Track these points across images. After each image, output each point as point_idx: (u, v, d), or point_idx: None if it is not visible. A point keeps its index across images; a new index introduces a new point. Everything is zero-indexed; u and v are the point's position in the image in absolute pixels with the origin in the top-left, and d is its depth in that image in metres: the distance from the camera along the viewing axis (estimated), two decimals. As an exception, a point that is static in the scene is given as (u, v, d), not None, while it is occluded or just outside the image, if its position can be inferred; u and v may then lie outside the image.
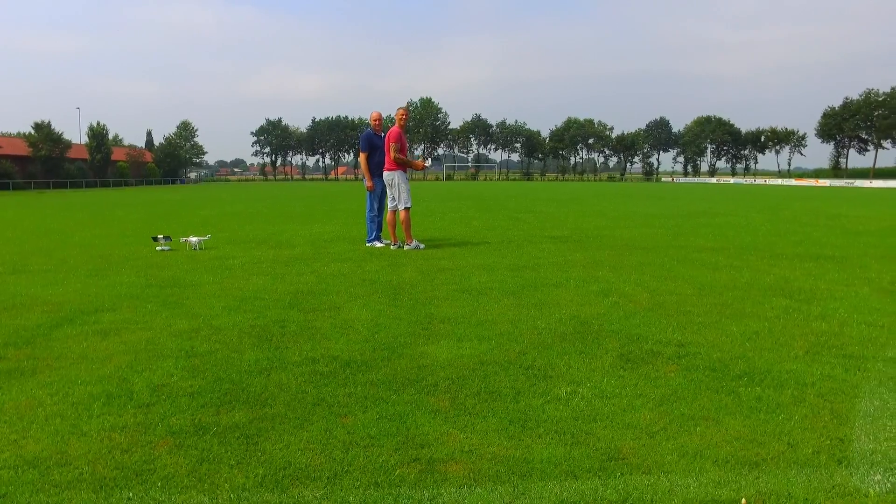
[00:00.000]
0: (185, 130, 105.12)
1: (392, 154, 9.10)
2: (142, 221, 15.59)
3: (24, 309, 5.20)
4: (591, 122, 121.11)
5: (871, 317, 4.82)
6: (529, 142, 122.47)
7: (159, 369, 3.58)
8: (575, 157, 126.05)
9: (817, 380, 3.39)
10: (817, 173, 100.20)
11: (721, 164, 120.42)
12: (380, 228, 9.78)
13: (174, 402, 3.07)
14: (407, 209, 9.14)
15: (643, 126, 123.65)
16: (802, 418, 2.88)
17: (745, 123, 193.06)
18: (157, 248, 9.24)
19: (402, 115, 9.35)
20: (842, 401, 3.10)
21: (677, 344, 4.07)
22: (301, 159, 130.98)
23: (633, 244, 9.67)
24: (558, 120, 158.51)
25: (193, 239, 9.27)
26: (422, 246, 9.14)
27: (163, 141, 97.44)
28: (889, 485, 2.30)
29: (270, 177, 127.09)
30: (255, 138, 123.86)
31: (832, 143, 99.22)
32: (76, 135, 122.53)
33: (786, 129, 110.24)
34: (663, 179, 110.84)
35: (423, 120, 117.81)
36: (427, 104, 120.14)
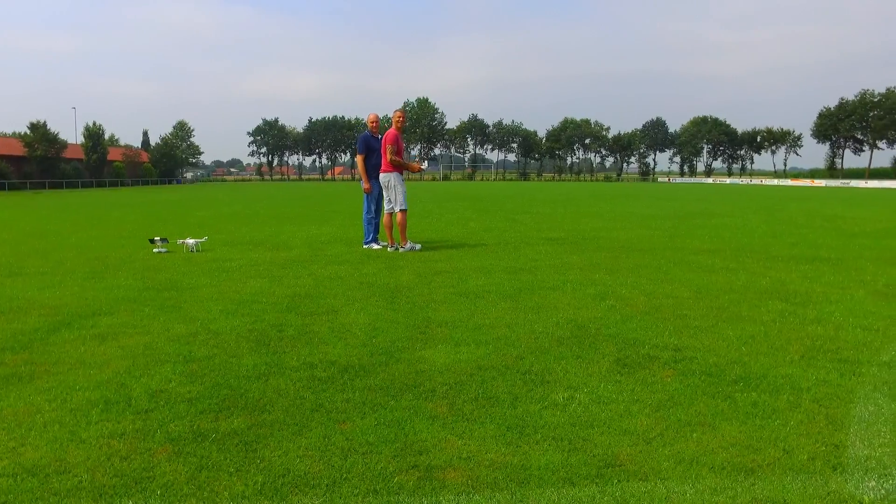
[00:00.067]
0: (182, 130, 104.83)
1: (388, 156, 9.11)
2: (138, 223, 15.56)
3: (21, 313, 5.20)
4: (587, 122, 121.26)
5: (867, 320, 4.85)
6: (526, 142, 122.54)
7: (157, 375, 3.58)
8: (571, 157, 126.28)
9: (813, 385, 3.41)
10: (813, 173, 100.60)
11: (717, 164, 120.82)
12: (377, 230, 9.79)
13: (173, 409, 3.07)
14: (403, 211, 9.15)
15: (639, 126, 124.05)
16: (798, 424, 2.90)
17: (741, 124, 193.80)
18: (154, 250, 9.24)
19: (399, 117, 9.37)
20: (837, 406, 3.12)
21: (674, 348, 4.08)
22: (298, 159, 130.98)
23: (630, 246, 9.69)
24: (555, 120, 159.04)
25: (190, 241, 9.27)
26: (417, 247, 9.15)
27: (159, 141, 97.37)
28: (883, 491, 2.32)
29: (267, 177, 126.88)
30: (252, 138, 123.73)
31: (828, 144, 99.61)
32: (72, 135, 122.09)
33: (782, 129, 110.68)
34: (660, 180, 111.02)
35: (420, 120, 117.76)
36: (424, 104, 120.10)
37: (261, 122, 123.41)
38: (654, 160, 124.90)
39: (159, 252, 9.09)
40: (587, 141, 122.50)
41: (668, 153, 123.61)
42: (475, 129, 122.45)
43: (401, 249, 9.06)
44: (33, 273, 7.29)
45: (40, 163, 63.93)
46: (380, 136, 9.60)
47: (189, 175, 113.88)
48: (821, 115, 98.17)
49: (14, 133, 79.23)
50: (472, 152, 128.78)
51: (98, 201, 30.82)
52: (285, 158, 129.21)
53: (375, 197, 9.70)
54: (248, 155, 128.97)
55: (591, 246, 9.73)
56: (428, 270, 7.32)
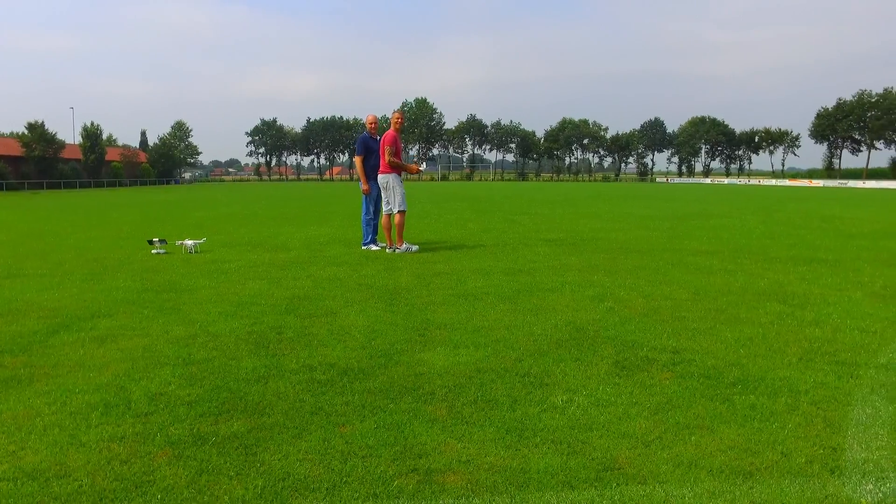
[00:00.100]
0: (180, 130, 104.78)
1: (387, 157, 9.12)
2: (136, 223, 15.55)
3: (20, 315, 5.20)
4: (585, 122, 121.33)
5: (864, 322, 4.87)
6: (524, 142, 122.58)
7: (157, 377, 3.59)
8: (570, 157, 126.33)
9: (810, 387, 3.43)
10: (811, 174, 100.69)
11: (715, 164, 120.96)
12: (375, 231, 9.79)
13: (172, 412, 3.08)
14: (402, 213, 9.15)
15: (638, 126, 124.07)
16: (796, 427, 2.91)
17: (739, 124, 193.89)
18: (153, 251, 9.23)
19: (398, 118, 9.38)
20: (834, 409, 3.13)
21: (672, 350, 4.10)
22: (296, 159, 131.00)
23: (628, 247, 9.71)
24: (553, 120, 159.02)
25: (189, 242, 9.27)
26: (413, 248, 9.14)
27: (157, 141, 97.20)
28: (881, 494, 2.33)
29: (265, 177, 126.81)
30: (250, 138, 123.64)
31: (825, 144, 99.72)
32: (70, 135, 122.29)
33: (779, 129, 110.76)
34: (658, 180, 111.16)
35: (418, 120, 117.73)
36: (422, 104, 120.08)
37: (259, 122, 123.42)
38: (652, 160, 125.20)
39: (158, 253, 9.09)
40: (585, 141, 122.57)
41: (667, 153, 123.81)
42: (473, 129, 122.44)
43: (396, 251, 9.07)
44: (32, 275, 7.29)
45: (38, 163, 63.84)
46: (378, 138, 9.61)
47: (187, 175, 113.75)
48: (818, 116, 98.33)
49: (12, 133, 79.09)
50: (471, 152, 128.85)
51: (96, 202, 30.80)
52: (283, 159, 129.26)
53: (374, 198, 9.70)
54: (247, 155, 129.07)
55: (589, 247, 9.74)
56: (427, 272, 7.33)
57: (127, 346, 4.23)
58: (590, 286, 6.37)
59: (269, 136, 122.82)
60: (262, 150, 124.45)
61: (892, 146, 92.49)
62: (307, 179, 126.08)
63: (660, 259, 8.35)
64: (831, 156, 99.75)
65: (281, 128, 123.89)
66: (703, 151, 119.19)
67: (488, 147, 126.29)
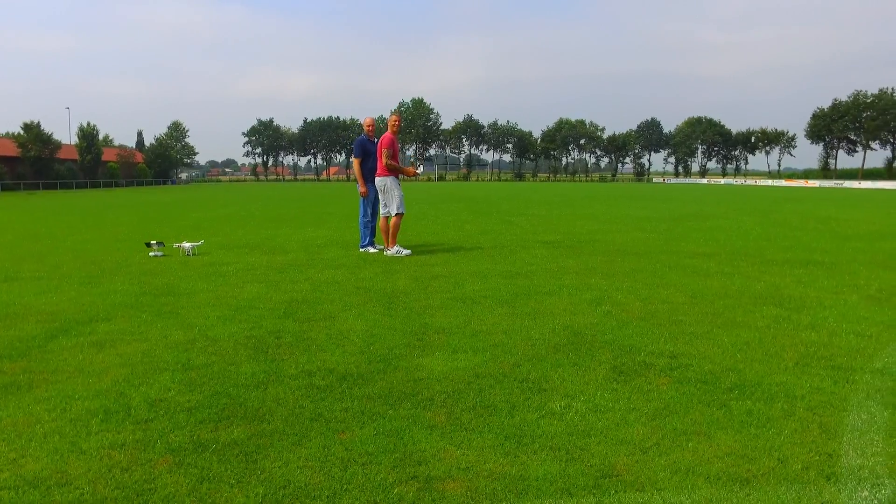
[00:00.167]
0: (176, 131, 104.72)
1: (384, 160, 9.12)
2: (133, 225, 15.54)
3: (18, 319, 5.20)
4: (582, 122, 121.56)
5: (860, 326, 4.90)
6: (521, 142, 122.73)
7: (156, 383, 3.60)
8: (566, 157, 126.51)
9: (807, 392, 3.45)
10: (807, 174, 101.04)
11: (712, 164, 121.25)
12: (373, 234, 9.80)
13: (172, 418, 3.09)
14: (399, 215, 9.16)
15: (634, 127, 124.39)
16: (792, 433, 2.94)
17: (735, 124, 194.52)
18: (151, 253, 9.23)
19: (395, 120, 9.38)
20: (830, 414, 3.16)
21: (669, 355, 4.12)
22: (293, 160, 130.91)
23: (626, 249, 9.74)
24: (550, 120, 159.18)
25: (187, 245, 9.26)
26: (404, 252, 9.07)
27: (153, 141, 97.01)
28: (876, 501, 2.35)
29: (262, 177, 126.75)
30: (247, 139, 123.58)
31: (821, 144, 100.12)
32: (66, 135, 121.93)
33: (776, 129, 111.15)
34: (654, 180, 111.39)
35: (415, 120, 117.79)
36: (419, 105, 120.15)
37: (256, 122, 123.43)
38: (648, 161, 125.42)
39: (155, 256, 9.09)
40: (582, 141, 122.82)
41: (663, 154, 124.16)
42: (470, 129, 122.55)
43: (386, 252, 9.07)
44: (29, 278, 7.28)
45: (34, 163, 63.64)
46: (376, 140, 9.62)
47: (184, 175, 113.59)
48: (814, 116, 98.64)
49: (7, 133, 78.73)
50: (468, 153, 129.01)
51: (93, 202, 30.74)
52: (280, 159, 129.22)
53: (372, 200, 9.71)
54: (243, 155, 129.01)
55: (586, 249, 9.77)
56: (424, 275, 7.34)
57: (126, 352, 4.23)
58: (587, 289, 6.39)
59: (265, 137, 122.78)
60: (258, 150, 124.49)
61: (888, 146, 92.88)
62: (304, 180, 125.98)
63: (657, 261, 8.37)
64: (827, 156, 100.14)
65: (278, 128, 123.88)
66: (699, 152, 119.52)
67: (485, 147, 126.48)
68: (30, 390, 3.50)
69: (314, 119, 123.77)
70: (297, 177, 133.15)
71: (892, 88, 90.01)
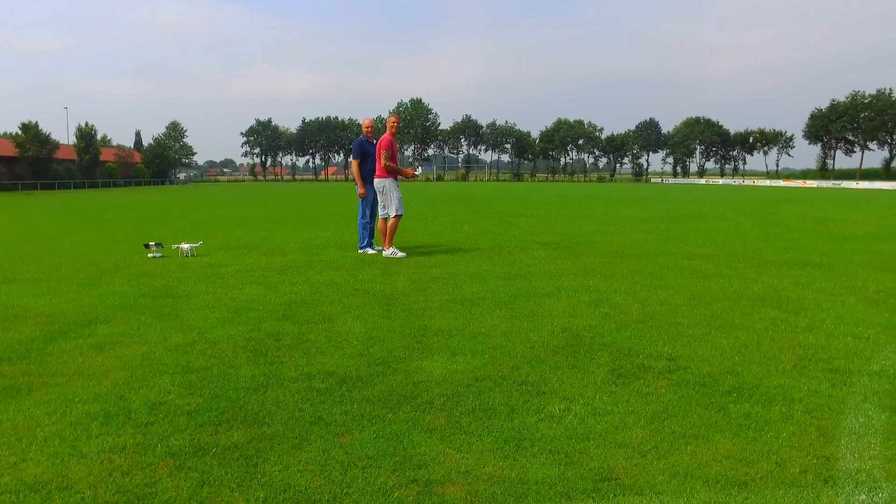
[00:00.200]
0: (175, 131, 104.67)
1: (382, 161, 9.13)
2: (132, 226, 15.53)
3: (17, 321, 5.20)
4: (581, 123, 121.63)
5: (857, 328, 4.91)
6: (519, 143, 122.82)
7: (156, 386, 3.60)
8: (565, 157, 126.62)
9: (804, 395, 3.47)
10: (805, 174, 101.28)
11: (710, 164, 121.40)
12: (372, 235, 9.81)
13: (172, 422, 3.10)
14: (398, 217, 9.17)
15: (633, 127, 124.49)
16: (790, 436, 2.95)
17: (733, 124, 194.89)
18: (149, 255, 9.23)
19: (394, 122, 9.39)
20: (828, 417, 3.17)
21: (668, 358, 4.13)
22: (291, 160, 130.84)
23: (624, 250, 9.75)
24: (548, 121, 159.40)
25: (185, 246, 9.26)
26: (399, 254, 9.06)
27: (152, 141, 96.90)
28: (873, 505, 2.37)
29: (260, 177, 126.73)
30: (245, 139, 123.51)
31: (819, 145, 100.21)
32: (64, 135, 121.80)
33: (774, 130, 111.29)
34: (653, 180, 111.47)
35: (414, 121, 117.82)
36: (417, 105, 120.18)
37: (254, 122, 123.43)
38: (647, 161, 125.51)
39: (154, 257, 9.09)
40: (580, 142, 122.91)
41: (661, 154, 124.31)
42: (469, 129, 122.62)
43: (383, 253, 9.08)
44: (28, 279, 7.28)
45: (32, 163, 63.56)
46: (374, 141, 9.63)
47: (182, 176, 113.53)
48: (812, 117, 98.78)
49: (5, 133, 78.67)
50: (466, 153, 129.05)
51: (91, 203, 30.71)
52: (278, 159, 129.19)
53: (370, 202, 9.72)
54: (242, 155, 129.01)
55: (585, 250, 9.78)
56: (423, 276, 7.35)
57: (125, 354, 4.24)
58: (586, 291, 6.40)
59: (264, 137, 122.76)
60: (257, 150, 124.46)
61: (885, 147, 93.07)
62: (302, 180, 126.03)
63: (655, 263, 8.39)
64: (825, 156, 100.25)
65: (276, 128, 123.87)
66: (697, 152, 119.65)
67: (484, 147, 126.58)
68: (30, 393, 3.50)
69: (312, 119, 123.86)
70: (296, 177, 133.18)
71: (890, 89, 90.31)
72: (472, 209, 21.67)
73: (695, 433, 2.97)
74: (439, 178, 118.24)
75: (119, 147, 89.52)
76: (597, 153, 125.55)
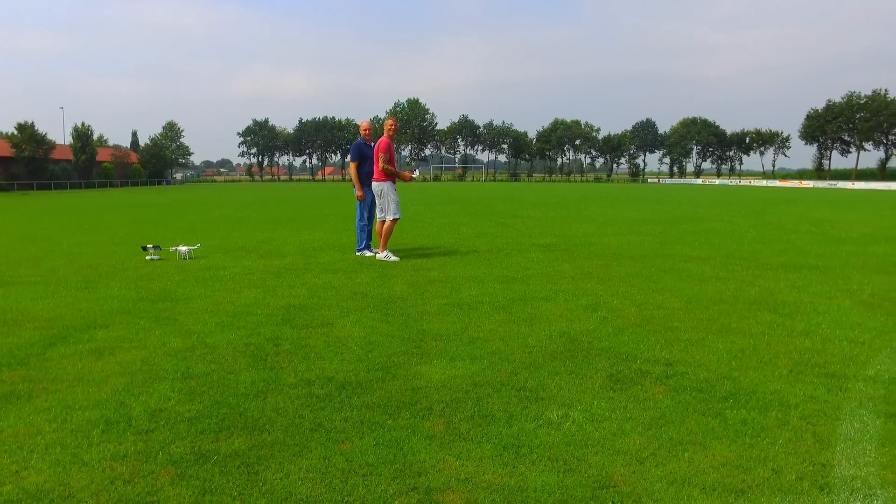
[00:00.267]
0: (171, 131, 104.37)
1: (380, 164, 9.15)
2: (129, 227, 15.51)
3: (15, 325, 5.20)
4: (577, 123, 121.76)
5: (853, 332, 4.95)
6: (516, 143, 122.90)
7: (156, 392, 3.62)
8: (562, 157, 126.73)
9: (800, 401, 3.49)
10: (801, 174, 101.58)
11: (706, 164, 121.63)
12: (369, 237, 9.82)
13: (173, 429, 3.11)
14: (394, 220, 9.19)
15: (629, 127, 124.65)
16: (786, 442, 2.98)
17: (730, 125, 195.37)
18: (147, 257, 9.23)
19: (391, 125, 9.41)
20: (824, 423, 3.20)
21: (665, 363, 4.16)
22: (288, 160, 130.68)
23: (621, 253, 9.78)
24: (545, 121, 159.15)
25: (183, 248, 9.27)
26: (393, 258, 9.05)
27: (148, 141, 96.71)
28: (869, 512, 2.39)
29: (257, 177, 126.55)
30: (242, 139, 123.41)
31: (815, 145, 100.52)
32: (60, 135, 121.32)
33: (770, 130, 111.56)
34: (649, 180, 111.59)
35: (411, 121, 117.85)
36: (414, 105, 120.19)
37: (251, 122, 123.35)
38: (643, 161, 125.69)
39: (151, 259, 9.09)
40: (577, 142, 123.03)
41: (658, 154, 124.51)
42: (466, 129, 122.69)
43: (377, 256, 9.09)
44: (26, 282, 7.28)
45: (28, 164, 63.36)
46: (373, 144, 9.64)
47: (178, 176, 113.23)
48: (808, 117, 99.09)
49: (1, 133, 78.45)
50: (463, 153, 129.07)
51: (87, 203, 30.65)
52: (275, 159, 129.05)
53: (368, 204, 9.73)
54: (239, 155, 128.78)
55: (582, 253, 9.81)
56: (421, 279, 7.37)
57: (125, 360, 4.25)
58: (583, 294, 6.43)
59: (260, 137, 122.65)
60: (253, 150, 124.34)
61: (881, 147, 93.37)
62: (299, 180, 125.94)
63: (652, 265, 8.42)
64: (821, 157, 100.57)
65: (273, 128, 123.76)
66: (694, 152, 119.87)
67: (480, 147, 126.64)
68: (30, 400, 3.51)
69: (309, 119, 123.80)
70: (293, 177, 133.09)
71: (886, 90, 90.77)
72: (469, 210, 21.69)
73: (692, 440, 3.00)
74: (436, 179, 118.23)
75: (115, 147, 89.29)
76: (593, 153, 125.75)
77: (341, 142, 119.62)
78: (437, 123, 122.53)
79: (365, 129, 9.95)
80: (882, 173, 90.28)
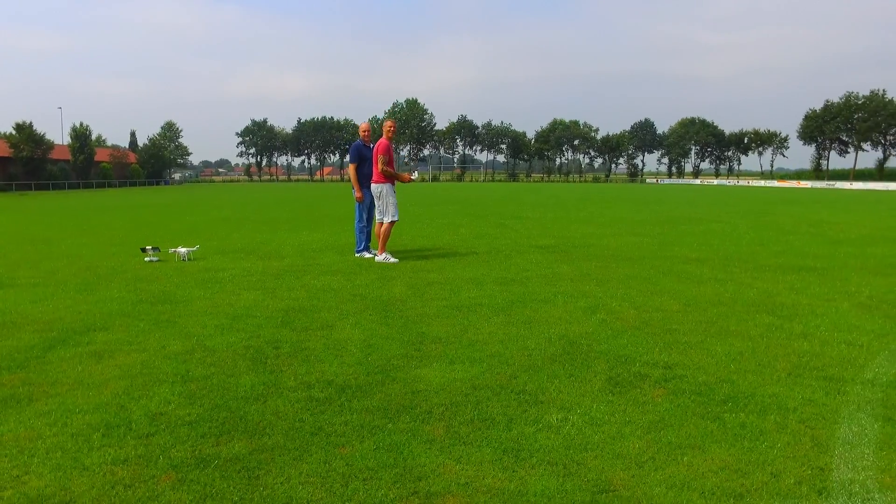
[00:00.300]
0: (170, 131, 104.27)
1: (380, 166, 9.16)
2: (127, 228, 15.50)
3: (15, 328, 5.20)
4: (576, 123, 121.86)
5: (851, 335, 4.96)
6: (515, 143, 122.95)
7: (156, 396, 3.62)
8: (560, 158, 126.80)
9: (799, 404, 3.51)
10: (799, 175, 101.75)
11: (705, 165, 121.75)
12: (369, 239, 9.83)
13: (173, 433, 3.11)
14: (392, 222, 9.19)
15: (628, 127, 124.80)
16: (785, 446, 2.99)
17: (728, 125, 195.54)
18: (146, 258, 9.23)
19: (391, 126, 9.41)
20: (822, 427, 3.21)
21: (664, 366, 4.17)
22: (286, 160, 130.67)
23: (619, 254, 9.80)
24: (544, 121, 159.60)
25: (182, 250, 9.27)
26: (391, 259, 9.06)
27: (147, 142, 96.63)
28: (867, 516, 2.41)
29: (255, 177, 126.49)
30: (241, 139, 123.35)
31: (814, 145, 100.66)
32: (58, 135, 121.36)
33: (768, 130, 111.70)
34: (648, 181, 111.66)
35: (409, 121, 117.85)
36: (413, 105, 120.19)
37: (249, 122, 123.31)
38: (642, 161, 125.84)
39: (151, 261, 9.09)
40: (576, 142, 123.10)
41: (657, 154, 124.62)
42: (464, 129, 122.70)
43: (376, 258, 9.10)
44: (25, 284, 7.28)
45: (26, 164, 63.30)
46: (372, 145, 9.65)
47: (177, 176, 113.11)
48: (807, 117, 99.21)
49: (-1, 133, 78.35)
50: (462, 153, 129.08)
51: (86, 204, 30.62)
52: (274, 159, 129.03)
53: (367, 206, 9.74)
54: (237, 155, 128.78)
55: (581, 254, 9.82)
56: (420, 281, 7.38)
57: (125, 362, 4.25)
58: (582, 297, 6.44)
59: (259, 137, 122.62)
60: (252, 150, 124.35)
61: (879, 148, 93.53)
62: (297, 180, 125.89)
63: (651, 267, 8.44)
64: (819, 157, 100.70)
65: (271, 128, 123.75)
66: (692, 152, 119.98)
67: (479, 148, 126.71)
68: (30, 403, 3.52)
69: (308, 119, 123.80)
70: (291, 177, 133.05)
71: (884, 90, 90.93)
72: (467, 211, 21.70)
73: (691, 443, 3.01)
74: (435, 179, 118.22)
75: (114, 147, 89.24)
76: (592, 153, 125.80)
77: (340, 142, 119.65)
78: (435, 123, 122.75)
79: (364, 131, 9.96)
80: (880, 173, 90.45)
